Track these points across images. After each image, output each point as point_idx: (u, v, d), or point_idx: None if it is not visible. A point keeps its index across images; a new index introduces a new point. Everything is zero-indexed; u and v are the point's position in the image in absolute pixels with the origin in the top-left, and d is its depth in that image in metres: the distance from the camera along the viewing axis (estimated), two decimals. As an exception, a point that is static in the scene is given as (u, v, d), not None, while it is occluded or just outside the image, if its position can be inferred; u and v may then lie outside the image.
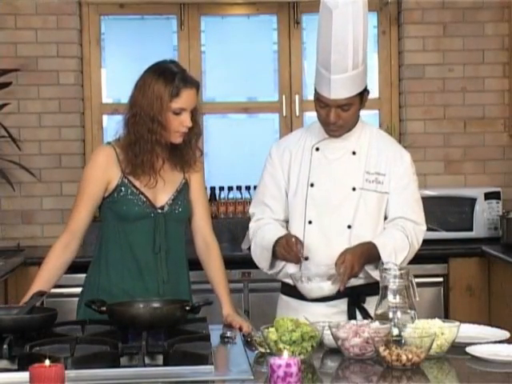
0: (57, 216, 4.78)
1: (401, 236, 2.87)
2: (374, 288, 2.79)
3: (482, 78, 4.99)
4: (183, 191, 2.92)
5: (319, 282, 2.76)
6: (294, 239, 2.79)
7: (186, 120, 2.81)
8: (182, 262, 2.93)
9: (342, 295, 2.85)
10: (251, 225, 3.01)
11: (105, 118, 5.07)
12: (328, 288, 2.75)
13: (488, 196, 4.71)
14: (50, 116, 4.85)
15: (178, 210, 2.89)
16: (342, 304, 2.89)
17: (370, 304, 2.89)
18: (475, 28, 4.97)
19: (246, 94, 5.29)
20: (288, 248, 2.78)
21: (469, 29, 4.97)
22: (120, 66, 5.11)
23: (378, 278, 2.82)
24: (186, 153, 2.90)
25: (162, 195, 2.88)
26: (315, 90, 2.87)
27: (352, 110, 2.83)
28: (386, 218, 2.94)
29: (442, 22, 4.97)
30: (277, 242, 2.83)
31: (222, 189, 5.02)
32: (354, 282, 2.84)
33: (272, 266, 2.93)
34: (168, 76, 2.80)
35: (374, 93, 5.18)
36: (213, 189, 4.98)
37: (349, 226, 2.89)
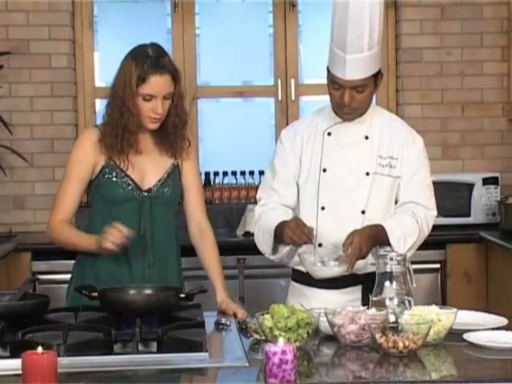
0: (49, 201, 4.66)
1: (411, 221, 2.83)
2: None
3: (481, 62, 4.94)
4: (173, 174, 2.89)
5: (329, 262, 2.73)
6: (304, 222, 2.75)
7: (156, 107, 2.76)
8: (170, 246, 2.90)
9: (357, 282, 2.83)
10: (256, 209, 2.97)
11: (98, 102, 5.02)
12: (337, 269, 2.71)
13: (486, 181, 4.68)
14: (41, 100, 4.80)
15: (166, 193, 2.86)
16: (357, 291, 2.85)
17: None
18: (473, 11, 4.91)
19: (241, 78, 5.25)
20: (298, 231, 2.71)
21: (467, 11, 4.91)
22: (113, 49, 5.02)
23: None
24: (174, 140, 2.86)
25: (150, 178, 2.85)
26: (328, 72, 2.82)
27: (366, 91, 2.80)
28: (396, 202, 2.91)
29: (440, 5, 4.92)
30: (284, 225, 2.76)
31: (216, 174, 4.98)
32: (368, 268, 2.80)
33: (275, 251, 2.88)
34: (140, 60, 2.75)
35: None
36: (207, 174, 4.94)
37: (362, 212, 2.85)
